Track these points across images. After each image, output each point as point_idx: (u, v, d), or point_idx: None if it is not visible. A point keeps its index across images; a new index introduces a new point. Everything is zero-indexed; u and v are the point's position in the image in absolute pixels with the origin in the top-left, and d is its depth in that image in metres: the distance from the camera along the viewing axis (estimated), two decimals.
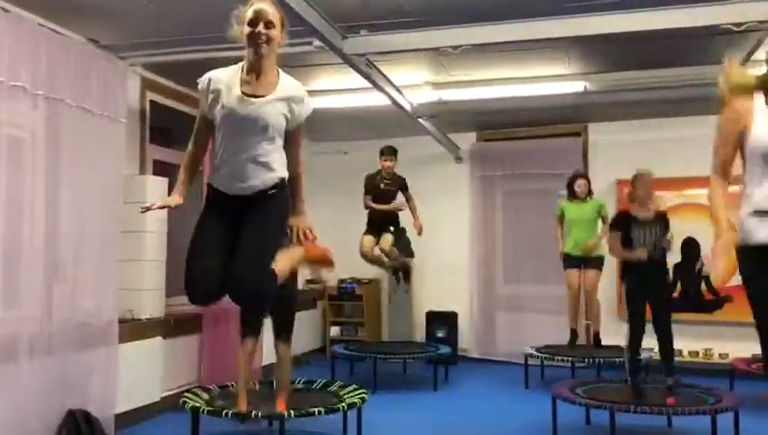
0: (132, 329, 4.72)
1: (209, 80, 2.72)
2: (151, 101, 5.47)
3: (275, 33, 2.62)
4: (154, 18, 4.26)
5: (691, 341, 6.46)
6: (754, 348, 6.52)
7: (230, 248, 2.69)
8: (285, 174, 2.78)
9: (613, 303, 6.78)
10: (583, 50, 4.98)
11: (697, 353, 6.61)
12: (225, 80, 2.69)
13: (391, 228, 6.31)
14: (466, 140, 7.76)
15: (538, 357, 6.25)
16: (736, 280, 6.00)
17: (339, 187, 7.70)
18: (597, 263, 6.23)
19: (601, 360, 5.91)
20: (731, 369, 5.76)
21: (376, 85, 5.03)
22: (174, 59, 4.76)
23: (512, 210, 7.72)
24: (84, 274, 4.23)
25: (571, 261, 6.31)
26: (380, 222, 6.28)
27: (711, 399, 4.42)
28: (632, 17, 3.79)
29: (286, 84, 2.73)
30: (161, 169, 5.52)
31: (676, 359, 5.51)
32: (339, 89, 5.89)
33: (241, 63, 2.73)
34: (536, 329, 7.06)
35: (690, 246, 6.30)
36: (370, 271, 7.26)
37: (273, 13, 2.63)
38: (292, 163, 2.82)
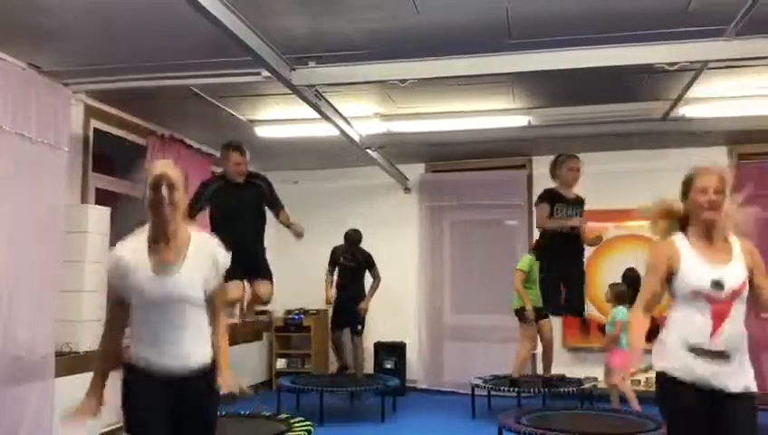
0: (70, 362, 4.55)
1: (117, 260, 2.54)
2: (95, 129, 5.36)
3: (178, 195, 2.52)
4: (99, 44, 4.20)
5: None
6: None
7: None
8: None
9: (556, 332, 6.90)
10: (527, 85, 5.13)
11: (638, 382, 6.74)
12: (133, 257, 2.53)
13: (359, 327, 6.64)
14: (415, 171, 7.85)
15: (485, 387, 6.28)
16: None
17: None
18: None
19: (547, 389, 5.99)
20: None
21: (324, 116, 5.05)
22: (119, 86, 4.71)
23: (459, 240, 7.83)
24: (21, 305, 4.08)
25: (538, 313, 6.24)
26: (346, 305, 6.54)
27: (652, 425, 4.52)
28: (571, 55, 3.92)
29: (196, 245, 2.60)
30: (104, 197, 5.40)
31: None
32: (287, 119, 5.90)
33: (145, 230, 2.57)
34: (483, 359, 7.10)
35: (632, 277, 6.46)
36: (318, 302, 7.21)
37: (174, 176, 2.52)
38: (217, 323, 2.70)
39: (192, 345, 2.56)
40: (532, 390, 6.05)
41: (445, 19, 3.82)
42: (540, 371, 6.54)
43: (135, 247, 2.55)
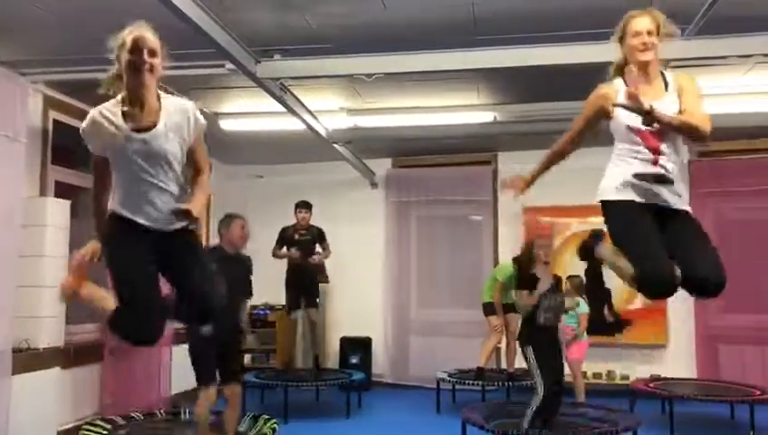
0: (27, 359, 4.45)
1: (93, 118, 2.51)
2: (54, 121, 5.24)
3: (158, 61, 2.49)
4: (57, 34, 4.10)
5: (595, 363, 6.71)
6: (654, 369, 6.88)
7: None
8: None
9: None
10: (493, 81, 5.16)
11: (601, 375, 6.87)
12: (108, 117, 2.50)
13: (317, 300, 6.58)
14: (381, 166, 7.85)
15: (450, 381, 6.32)
16: (637, 305, 6.28)
17: (254, 211, 7.56)
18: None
19: (511, 383, 6.07)
20: (632, 390, 6.02)
21: (290, 110, 5.02)
22: (79, 77, 4.59)
23: (425, 235, 7.86)
24: None
25: (506, 308, 6.33)
26: (299, 280, 6.39)
27: (612, 420, 4.60)
28: (533, 52, 3.96)
29: (171, 108, 2.58)
30: (64, 190, 5.28)
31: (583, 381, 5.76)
32: (253, 112, 5.84)
33: (118, 97, 2.53)
34: (449, 353, 7.15)
35: (595, 273, 6.54)
36: (283, 297, 7.18)
37: (154, 40, 2.48)
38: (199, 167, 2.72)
39: (171, 205, 2.53)
40: (496, 383, 6.11)
41: (411, 15, 3.82)
42: (504, 364, 6.61)
43: (111, 109, 2.51)
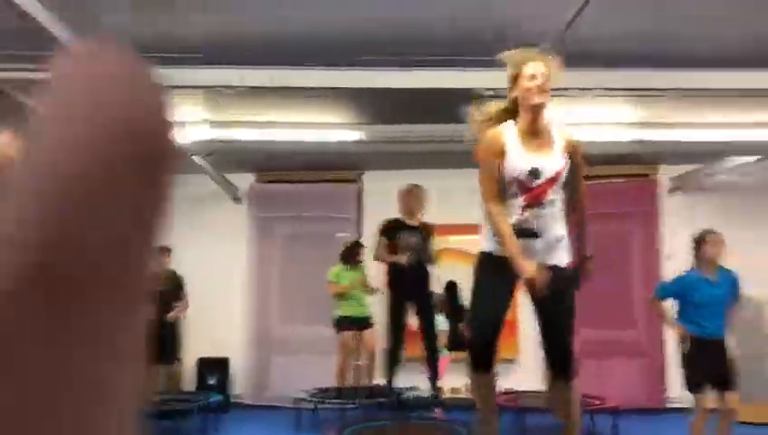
0: None
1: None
2: None
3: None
4: None
5: (453, 378, 6.90)
6: (508, 382, 7.16)
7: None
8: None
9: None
10: (361, 101, 5.22)
11: (460, 390, 7.08)
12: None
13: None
14: (245, 181, 7.69)
15: (310, 400, 6.25)
16: None
17: None
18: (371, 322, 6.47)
19: (370, 400, 6.10)
20: None
21: None
22: None
23: (290, 252, 7.76)
24: None
25: (349, 322, 6.43)
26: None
27: (465, 432, 4.74)
28: (401, 75, 4.07)
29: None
30: None
31: (443, 396, 5.91)
32: None
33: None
34: (312, 371, 7.08)
35: (452, 289, 6.81)
36: None
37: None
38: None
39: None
40: (356, 401, 6.12)
41: (280, 29, 3.79)
42: (366, 381, 6.64)
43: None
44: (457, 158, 6.79)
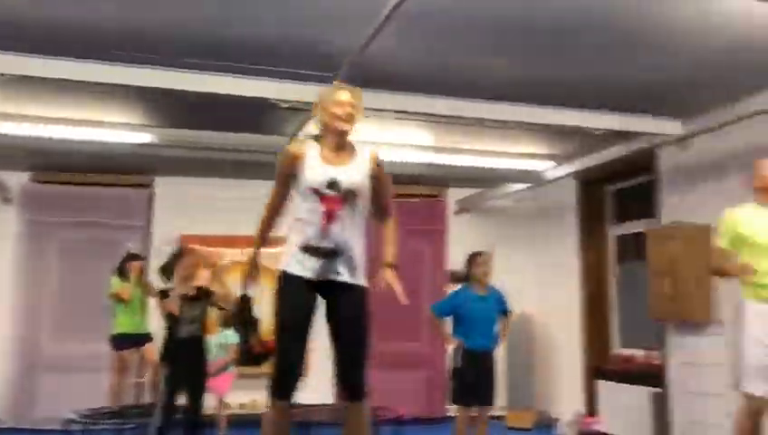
0: None
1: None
2: None
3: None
4: None
5: (240, 393, 6.73)
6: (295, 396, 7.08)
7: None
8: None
9: None
10: (153, 102, 4.92)
11: (246, 405, 6.91)
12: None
13: None
14: (17, 179, 6.92)
15: (81, 422, 5.72)
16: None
17: None
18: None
19: (147, 419, 5.73)
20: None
21: None
22: None
23: (69, 261, 7.08)
24: None
25: (126, 340, 6.09)
26: None
27: None
28: (193, 78, 3.90)
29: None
30: None
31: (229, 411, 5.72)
32: None
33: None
34: (86, 390, 6.49)
35: (245, 302, 6.64)
36: None
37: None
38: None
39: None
40: (133, 420, 5.71)
41: (66, 17, 3.45)
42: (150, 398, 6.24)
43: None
44: (254, 168, 6.72)
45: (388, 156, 5.96)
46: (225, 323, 5.67)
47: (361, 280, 2.87)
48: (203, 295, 4.87)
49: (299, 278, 2.78)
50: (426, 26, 3.60)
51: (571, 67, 4.21)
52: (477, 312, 4.86)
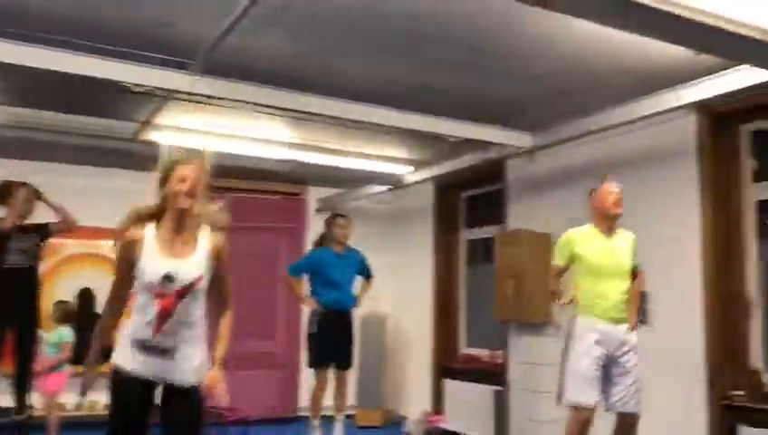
0: None
1: None
2: None
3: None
4: None
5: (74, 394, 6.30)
6: None
7: None
8: None
9: None
10: None
11: (82, 406, 6.47)
12: None
13: None
14: None
15: None
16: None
17: None
18: None
19: None
20: None
21: None
22: None
23: None
24: None
25: None
26: None
27: None
28: (38, 53, 3.59)
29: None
30: None
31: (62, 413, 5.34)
32: None
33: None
34: None
35: (86, 296, 6.29)
36: None
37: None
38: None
39: None
40: None
41: None
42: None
43: None
44: (104, 156, 6.33)
45: (248, 150, 5.94)
46: (62, 320, 5.28)
47: (197, 378, 2.72)
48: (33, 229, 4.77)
49: (129, 376, 2.64)
50: (287, 20, 3.56)
51: (428, 74, 4.34)
52: (334, 270, 4.88)
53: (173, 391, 2.68)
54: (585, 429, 3.65)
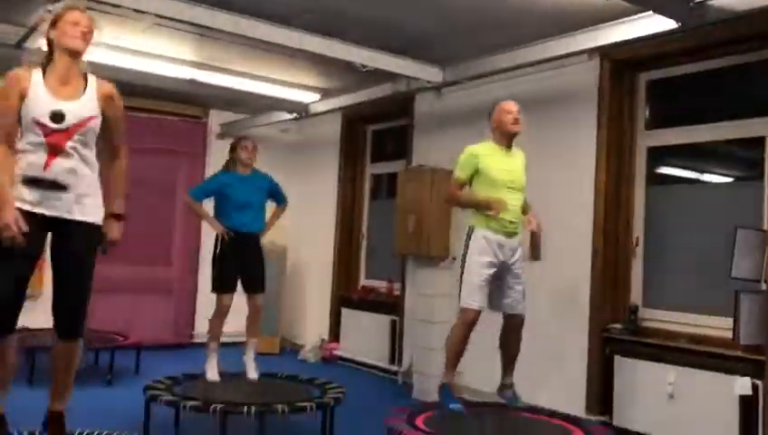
0: None
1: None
2: None
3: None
4: None
5: None
6: (26, 320, 6.48)
7: None
8: None
9: None
10: None
11: None
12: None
13: None
14: None
15: None
16: None
17: None
18: None
19: None
20: None
21: None
22: None
23: None
24: None
25: None
26: None
27: None
28: None
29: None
30: None
31: None
32: None
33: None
34: None
35: None
36: None
37: None
38: None
39: None
40: None
41: None
42: None
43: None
44: None
45: (147, 67, 5.61)
46: None
47: (92, 217, 2.76)
48: None
49: (21, 212, 2.61)
50: None
51: (342, 1, 4.21)
52: (241, 192, 4.74)
53: (65, 226, 2.70)
54: (469, 328, 3.85)
